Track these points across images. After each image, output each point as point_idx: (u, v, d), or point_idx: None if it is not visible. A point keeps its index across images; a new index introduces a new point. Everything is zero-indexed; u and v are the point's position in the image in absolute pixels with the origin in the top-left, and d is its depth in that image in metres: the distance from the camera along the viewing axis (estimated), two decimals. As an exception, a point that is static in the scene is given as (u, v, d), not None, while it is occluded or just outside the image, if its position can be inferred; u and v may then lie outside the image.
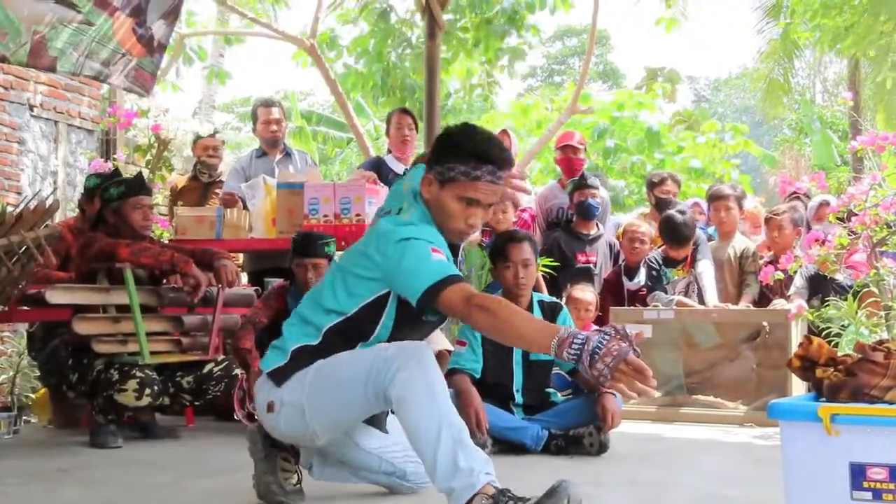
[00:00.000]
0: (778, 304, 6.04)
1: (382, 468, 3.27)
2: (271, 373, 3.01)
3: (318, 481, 3.31)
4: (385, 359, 2.75)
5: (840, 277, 5.71)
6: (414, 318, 2.92)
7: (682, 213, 6.43)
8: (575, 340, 2.45)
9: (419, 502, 3.24)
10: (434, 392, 2.67)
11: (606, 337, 2.42)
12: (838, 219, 5.00)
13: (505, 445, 4.42)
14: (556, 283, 6.49)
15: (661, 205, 7.26)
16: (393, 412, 3.18)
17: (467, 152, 2.93)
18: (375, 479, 3.30)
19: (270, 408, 3.01)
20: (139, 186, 5.07)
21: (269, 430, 3.12)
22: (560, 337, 2.48)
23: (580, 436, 4.40)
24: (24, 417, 5.60)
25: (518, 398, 4.62)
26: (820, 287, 5.96)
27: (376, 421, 3.15)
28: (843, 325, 5.00)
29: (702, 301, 6.23)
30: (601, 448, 4.38)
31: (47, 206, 4.84)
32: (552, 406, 4.64)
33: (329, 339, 2.97)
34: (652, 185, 7.56)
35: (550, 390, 4.75)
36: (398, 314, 2.94)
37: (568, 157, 7.32)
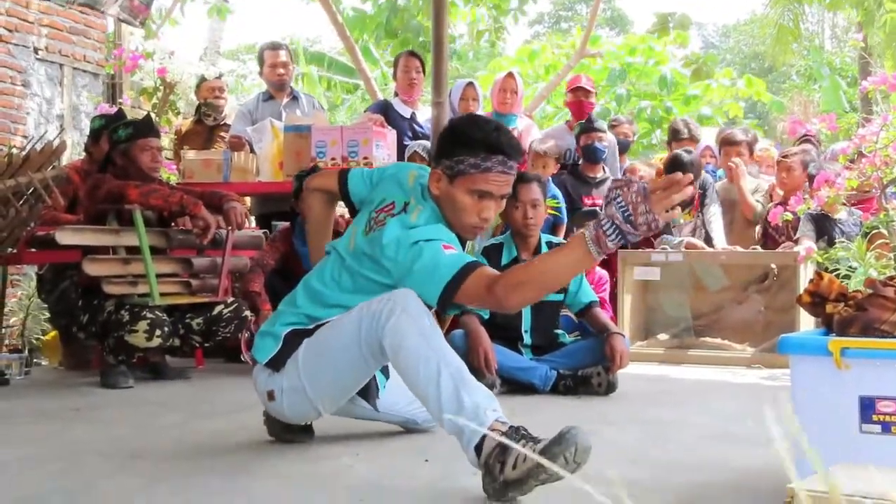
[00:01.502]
0: (785, 246, 6.04)
1: (393, 420, 3.32)
2: (267, 362, 2.97)
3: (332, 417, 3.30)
4: (372, 313, 2.68)
5: (843, 216, 5.70)
6: None
7: (688, 152, 6.44)
8: (604, 229, 2.38)
9: (431, 441, 3.25)
10: (426, 334, 2.60)
11: (619, 198, 2.36)
12: (849, 160, 4.99)
13: (514, 385, 4.44)
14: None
15: None
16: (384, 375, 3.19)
17: (476, 143, 2.80)
18: (388, 419, 3.33)
19: (271, 396, 2.98)
20: (148, 128, 5.05)
21: (274, 415, 3.13)
22: (591, 240, 2.41)
23: (588, 376, 4.42)
24: (34, 359, 5.64)
25: (527, 339, 4.64)
26: (824, 228, 5.96)
27: (367, 396, 3.10)
28: (850, 267, 5.00)
29: (710, 245, 6.24)
30: (609, 388, 4.40)
31: (54, 147, 4.84)
32: (560, 347, 4.66)
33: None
34: (672, 139, 7.52)
35: (559, 332, 4.77)
36: None
37: (579, 99, 7.30)
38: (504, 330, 4.55)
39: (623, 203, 2.36)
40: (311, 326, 2.92)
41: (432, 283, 2.64)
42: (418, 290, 2.69)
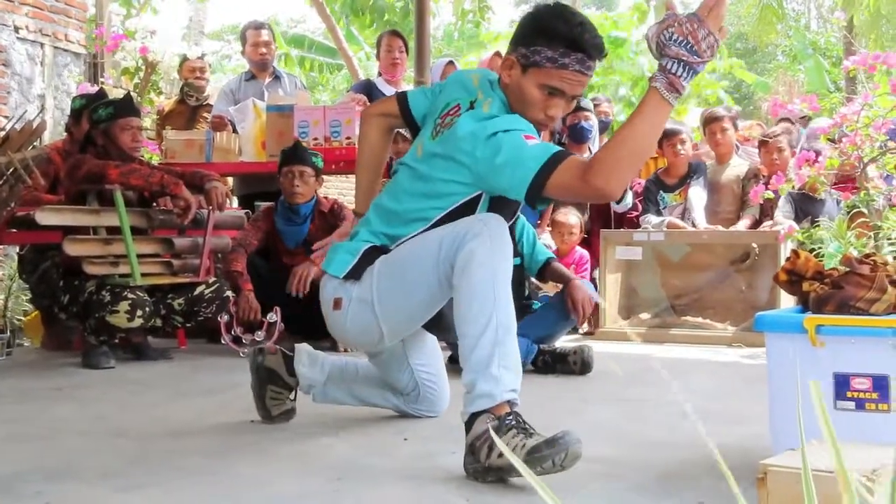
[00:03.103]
0: (766, 225, 6.06)
1: (406, 387, 3.18)
2: (344, 275, 2.79)
3: (320, 405, 3.29)
4: (456, 231, 2.53)
5: (825, 198, 5.71)
6: (508, 211, 2.71)
7: None
8: (673, 72, 2.31)
9: (410, 421, 3.26)
10: (496, 271, 2.47)
11: (674, 36, 2.29)
12: (829, 140, 5.00)
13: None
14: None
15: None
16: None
17: (557, 36, 2.59)
18: (381, 402, 3.26)
19: (337, 304, 2.81)
20: (128, 107, 5.02)
21: (333, 330, 2.93)
22: (665, 89, 2.33)
23: (565, 353, 4.46)
24: (17, 340, 5.60)
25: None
26: (805, 209, 5.96)
27: (444, 327, 2.91)
28: (814, 250, 5.00)
29: (694, 225, 6.25)
30: (584, 367, 4.40)
31: (34, 126, 4.81)
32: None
33: None
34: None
35: (534, 302, 4.83)
36: (491, 209, 2.67)
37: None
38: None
39: (680, 38, 2.28)
40: (391, 245, 2.78)
41: (518, 176, 2.48)
42: (505, 184, 2.55)
